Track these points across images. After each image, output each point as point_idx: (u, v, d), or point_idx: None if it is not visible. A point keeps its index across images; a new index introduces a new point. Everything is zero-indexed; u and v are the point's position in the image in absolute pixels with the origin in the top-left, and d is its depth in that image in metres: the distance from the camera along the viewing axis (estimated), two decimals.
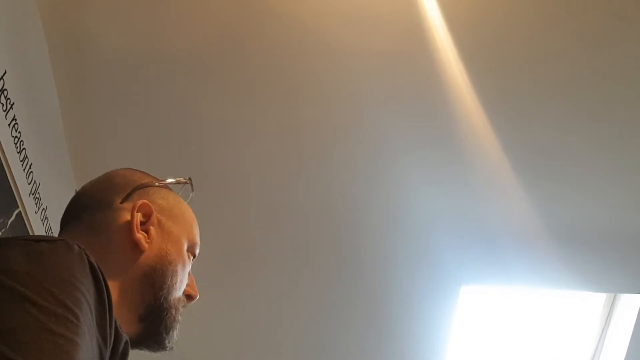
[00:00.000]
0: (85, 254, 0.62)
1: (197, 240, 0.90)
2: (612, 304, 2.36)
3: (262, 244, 2.07)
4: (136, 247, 0.79)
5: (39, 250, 0.58)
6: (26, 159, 1.47)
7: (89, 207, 0.83)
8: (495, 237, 2.02)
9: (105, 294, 0.61)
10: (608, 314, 2.39)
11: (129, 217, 0.81)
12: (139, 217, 0.81)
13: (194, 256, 0.90)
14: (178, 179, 0.94)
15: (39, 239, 0.61)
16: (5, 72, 1.34)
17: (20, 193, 1.42)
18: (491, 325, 2.44)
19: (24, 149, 1.45)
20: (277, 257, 2.09)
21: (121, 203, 0.83)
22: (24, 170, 1.46)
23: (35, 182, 1.53)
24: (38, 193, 1.55)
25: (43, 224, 1.59)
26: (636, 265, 2.10)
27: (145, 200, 0.83)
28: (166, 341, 0.82)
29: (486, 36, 1.59)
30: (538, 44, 1.60)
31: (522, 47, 1.61)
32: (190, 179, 0.95)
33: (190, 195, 0.96)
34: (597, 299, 2.37)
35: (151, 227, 0.82)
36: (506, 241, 2.02)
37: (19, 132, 1.42)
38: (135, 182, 0.86)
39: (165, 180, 0.91)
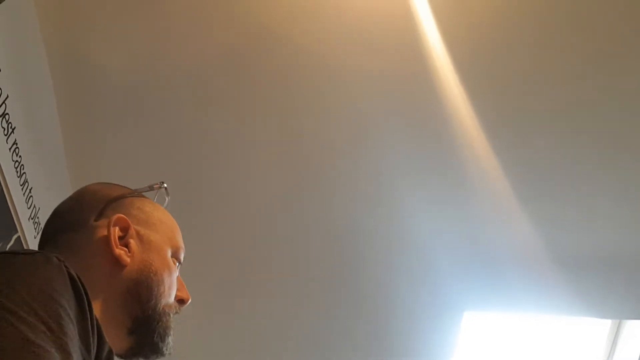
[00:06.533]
0: (65, 266, 0.61)
1: (181, 244, 0.88)
2: (618, 330, 2.33)
3: (262, 265, 2.05)
4: (117, 263, 0.78)
5: (18, 263, 0.58)
6: (26, 184, 1.46)
7: (63, 229, 0.82)
8: (498, 262, 2.00)
9: (86, 304, 0.61)
10: (613, 341, 2.35)
11: (105, 234, 0.79)
12: (116, 231, 0.79)
13: (180, 261, 0.88)
14: (151, 185, 0.92)
15: (17, 252, 0.61)
16: (7, 97, 1.34)
17: (20, 217, 1.42)
18: (495, 351, 2.41)
19: (24, 173, 1.44)
20: (277, 279, 2.07)
21: (95, 221, 0.81)
22: (24, 194, 1.45)
23: (35, 206, 1.52)
24: (37, 217, 1.54)
25: None
26: None
27: (120, 214, 0.81)
28: (163, 348, 0.81)
29: (486, 58, 1.60)
30: (540, 64, 1.60)
31: (523, 68, 1.61)
32: (163, 183, 0.93)
33: (167, 199, 0.94)
34: (603, 325, 2.34)
35: (131, 240, 0.80)
36: (510, 267, 2.00)
37: (20, 156, 1.42)
38: (107, 196, 0.85)
39: (138, 189, 0.89)
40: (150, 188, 0.92)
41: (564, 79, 1.63)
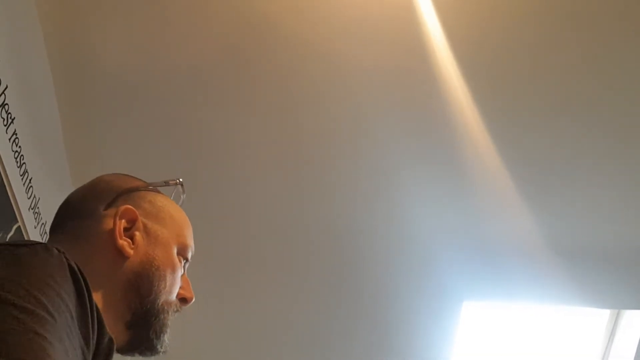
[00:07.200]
0: (65, 257, 0.61)
1: (189, 242, 0.87)
2: (616, 320, 2.34)
3: (262, 265, 2.05)
4: (120, 254, 0.77)
5: (18, 255, 0.58)
6: (26, 174, 1.46)
7: (74, 216, 0.82)
8: (497, 253, 2.00)
9: (86, 295, 0.61)
10: (612, 330, 2.36)
11: (111, 224, 0.79)
12: (122, 223, 0.79)
13: (187, 259, 0.87)
14: (167, 180, 0.91)
15: (18, 244, 0.61)
16: (6, 87, 1.34)
17: (20, 208, 1.42)
18: (494, 341, 2.42)
19: (24, 163, 1.45)
20: (277, 278, 2.08)
21: (105, 210, 0.81)
22: (23, 184, 1.45)
23: (34, 196, 1.52)
24: (37, 208, 1.54)
25: (42, 239, 1.58)
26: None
27: (128, 205, 0.80)
28: (158, 346, 0.80)
29: (487, 53, 1.59)
30: (540, 58, 1.60)
31: (524, 62, 1.61)
32: (180, 179, 0.92)
33: (182, 197, 0.93)
34: (601, 316, 2.35)
35: (136, 233, 0.80)
36: (509, 257, 2.01)
37: (19, 146, 1.42)
38: (120, 187, 0.84)
39: (153, 183, 0.88)
40: (166, 183, 0.90)
41: (567, 72, 1.62)
